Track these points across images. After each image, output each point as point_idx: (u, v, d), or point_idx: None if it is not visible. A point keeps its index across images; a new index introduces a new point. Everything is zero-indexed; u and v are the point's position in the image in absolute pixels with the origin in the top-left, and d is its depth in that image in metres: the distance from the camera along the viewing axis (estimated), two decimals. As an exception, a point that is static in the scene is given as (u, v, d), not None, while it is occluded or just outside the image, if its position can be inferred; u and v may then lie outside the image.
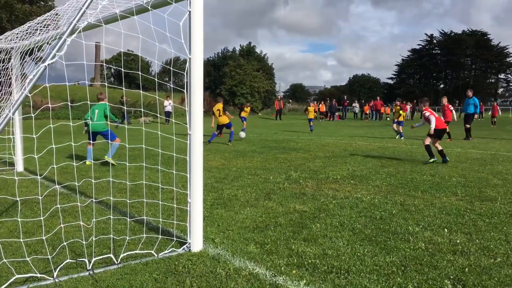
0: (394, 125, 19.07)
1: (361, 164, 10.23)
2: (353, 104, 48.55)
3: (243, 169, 9.39)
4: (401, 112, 19.47)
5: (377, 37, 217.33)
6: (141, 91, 4.60)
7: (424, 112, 10.81)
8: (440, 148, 10.55)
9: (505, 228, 4.91)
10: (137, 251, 4.04)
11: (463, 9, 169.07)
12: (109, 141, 9.55)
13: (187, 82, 4.31)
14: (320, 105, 43.96)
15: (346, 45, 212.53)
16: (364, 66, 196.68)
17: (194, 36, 4.26)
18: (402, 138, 18.13)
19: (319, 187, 7.38)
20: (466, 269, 3.68)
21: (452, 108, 17.45)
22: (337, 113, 43.73)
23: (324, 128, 26.85)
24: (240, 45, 56.15)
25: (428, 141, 10.52)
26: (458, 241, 4.44)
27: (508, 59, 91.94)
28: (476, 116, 17.55)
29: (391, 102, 50.64)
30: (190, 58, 4.26)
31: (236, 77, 48.42)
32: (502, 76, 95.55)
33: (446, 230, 4.84)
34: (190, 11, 4.22)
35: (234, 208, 5.86)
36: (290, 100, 58.62)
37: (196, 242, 4.24)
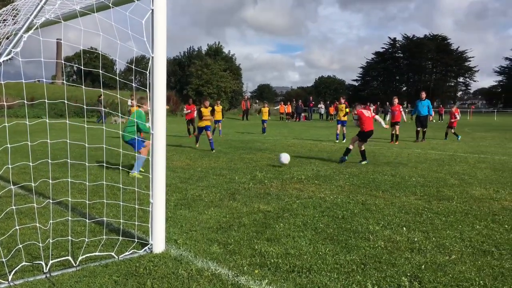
0: (339, 127, 17.64)
1: (325, 164, 10.38)
2: (319, 105, 49.21)
3: (208, 169, 9.34)
4: (347, 110, 18.38)
5: (344, 39, 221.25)
6: (101, 89, 4.50)
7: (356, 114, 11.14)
8: (363, 148, 10.79)
9: (460, 226, 5.11)
10: (97, 253, 3.95)
11: (426, 14, 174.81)
12: (136, 152, 8.41)
13: (149, 81, 4.26)
14: (287, 106, 44.34)
15: (314, 46, 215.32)
16: (331, 67, 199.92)
17: (157, 35, 4.20)
18: (344, 140, 17.27)
19: (283, 187, 7.44)
20: (423, 266, 3.81)
21: (401, 109, 17.88)
22: (303, 114, 44.21)
23: (290, 129, 27.08)
24: (208, 45, 55.82)
25: (361, 145, 10.69)
26: (415, 239, 4.58)
27: (466, 63, 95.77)
28: (431, 118, 18.01)
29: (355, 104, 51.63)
30: (152, 57, 4.20)
31: (203, 77, 48.10)
32: (461, 79, 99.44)
33: (404, 228, 4.99)
34: (152, 9, 4.16)
35: (198, 209, 5.82)
36: (257, 101, 58.75)
37: (158, 243, 4.19)
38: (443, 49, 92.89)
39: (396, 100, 17.94)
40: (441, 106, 53.93)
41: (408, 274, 3.63)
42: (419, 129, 17.74)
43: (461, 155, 12.53)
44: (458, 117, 19.57)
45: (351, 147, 10.77)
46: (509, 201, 6.44)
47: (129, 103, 28.93)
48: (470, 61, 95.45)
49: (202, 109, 13.62)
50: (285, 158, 9.92)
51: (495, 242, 4.52)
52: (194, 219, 5.32)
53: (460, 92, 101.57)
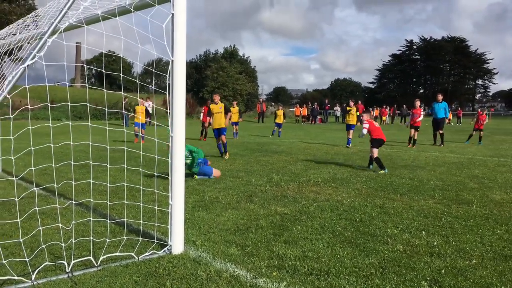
0: (351, 132, 16.20)
1: (342, 167, 10.34)
2: (335, 108, 48.99)
3: (225, 171, 9.39)
4: (357, 114, 17.28)
5: (360, 41, 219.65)
6: (122, 92, 4.58)
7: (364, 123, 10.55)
8: (375, 155, 10.07)
9: (480, 230, 5.04)
10: (117, 254, 4.01)
11: (444, 16, 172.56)
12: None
13: (169, 84, 4.32)
14: (302, 108, 44.28)
15: (329, 48, 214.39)
16: (347, 70, 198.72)
17: (177, 39, 4.26)
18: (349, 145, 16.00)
19: (300, 189, 7.44)
20: (443, 271, 3.77)
21: (422, 112, 17.41)
22: (319, 117, 44.08)
23: (306, 132, 27.03)
24: (224, 47, 56.12)
25: (375, 152, 10.00)
26: (435, 243, 4.53)
27: (485, 66, 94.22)
28: (447, 120, 17.78)
29: (372, 106, 51.37)
30: (173, 61, 4.26)
31: (218, 80, 48.37)
32: (479, 82, 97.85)
33: (423, 232, 4.94)
34: (173, 13, 4.23)
35: (216, 211, 5.86)
36: (273, 103, 58.76)
37: (177, 244, 4.23)
38: (461, 51, 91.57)
39: (418, 103, 17.32)
40: (459, 108, 53.18)
41: (428, 279, 3.61)
42: (436, 132, 17.51)
43: (480, 159, 12.34)
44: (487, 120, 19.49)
45: (374, 155, 10.24)
46: (531, 206, 6.33)
47: (145, 104, 29.19)
48: (489, 63, 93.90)
49: (211, 106, 12.90)
50: None
51: (517, 247, 4.45)
52: (212, 221, 5.36)
53: (479, 95, 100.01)
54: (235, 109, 20.70)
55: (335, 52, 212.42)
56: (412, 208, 6.15)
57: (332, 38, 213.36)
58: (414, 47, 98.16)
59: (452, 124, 41.77)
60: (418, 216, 5.67)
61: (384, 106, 48.89)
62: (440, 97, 17.57)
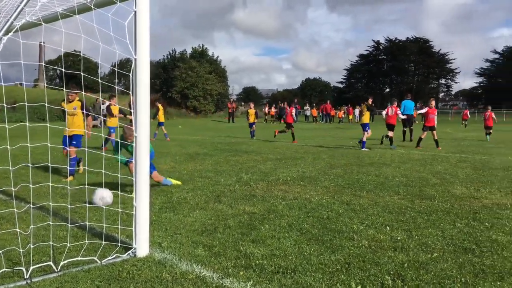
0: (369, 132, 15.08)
1: (311, 165, 10.43)
2: (305, 107, 49.47)
3: (193, 172, 9.31)
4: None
5: (331, 42, 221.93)
6: (83, 92, 4.45)
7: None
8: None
9: (442, 224, 5.18)
10: (79, 258, 3.89)
11: (411, 17, 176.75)
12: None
13: (132, 83, 4.23)
14: (271, 108, 44.51)
15: (301, 49, 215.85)
16: (318, 70, 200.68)
17: (140, 37, 4.18)
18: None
19: (269, 188, 7.45)
20: (405, 265, 3.85)
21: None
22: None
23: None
24: (192, 47, 55.58)
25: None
26: (398, 238, 4.63)
27: (448, 65, 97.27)
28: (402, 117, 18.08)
29: (340, 106, 52.19)
30: (135, 59, 4.18)
31: (187, 80, 47.95)
32: (443, 81, 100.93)
33: (388, 227, 5.04)
34: (135, 11, 4.15)
35: (183, 211, 5.79)
36: (243, 103, 58.78)
37: (142, 247, 4.15)
38: (425, 52, 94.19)
39: (433, 102, 16.16)
40: (423, 105, 54.61)
41: (391, 273, 3.67)
42: (405, 129, 17.99)
43: (443, 155, 12.71)
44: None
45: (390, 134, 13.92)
46: (489, 200, 6.56)
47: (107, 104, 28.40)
48: (451, 63, 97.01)
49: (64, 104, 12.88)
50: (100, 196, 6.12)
51: (476, 239, 4.59)
52: (179, 222, 5.29)
53: (442, 94, 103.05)
54: (252, 110, 21.65)
55: (306, 52, 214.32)
56: (377, 204, 6.26)
57: (304, 38, 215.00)
58: (381, 47, 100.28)
59: (417, 122, 42.92)
60: (383, 212, 5.78)
61: (350, 105, 49.80)
62: (410, 96, 18.37)
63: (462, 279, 3.54)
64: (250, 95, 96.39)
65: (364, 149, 14.37)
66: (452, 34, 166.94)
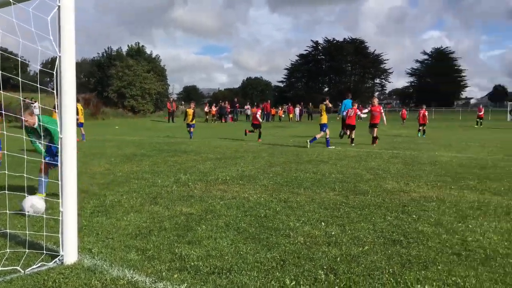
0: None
1: (250, 164, 10.48)
2: (245, 107, 49.70)
3: (129, 173, 9.02)
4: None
5: (272, 41, 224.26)
6: (1, 91, 4.14)
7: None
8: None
9: (373, 218, 5.39)
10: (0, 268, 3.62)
11: (349, 18, 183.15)
12: None
13: (57, 82, 4.00)
14: (212, 107, 44.30)
15: (242, 48, 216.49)
16: (260, 69, 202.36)
17: (64, 33, 3.96)
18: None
19: (207, 188, 7.38)
20: (338, 259, 3.96)
21: (382, 110, 17.44)
22: (230, 115, 44.39)
23: (216, 131, 27.05)
24: (128, 45, 53.87)
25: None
26: (333, 233, 4.75)
27: (382, 66, 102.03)
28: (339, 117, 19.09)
29: (281, 105, 52.99)
30: (60, 56, 3.96)
31: (124, 78, 46.44)
32: (377, 81, 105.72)
33: (323, 223, 5.16)
34: (59, 6, 3.92)
35: (117, 215, 5.58)
36: (183, 102, 57.94)
37: (70, 253, 3.94)
38: (361, 52, 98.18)
39: (375, 100, 17.56)
40: (360, 106, 56.83)
41: (325, 267, 3.75)
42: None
43: (377, 152, 13.28)
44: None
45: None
46: (417, 193, 6.92)
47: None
48: (385, 63, 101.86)
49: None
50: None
51: (404, 231, 4.82)
52: (112, 226, 5.09)
53: (377, 93, 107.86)
54: (191, 110, 19.92)
55: (248, 52, 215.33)
56: (314, 201, 6.40)
57: (245, 38, 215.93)
58: (319, 47, 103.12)
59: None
60: (319, 208, 5.91)
61: (290, 104, 50.78)
62: (350, 95, 19.23)
63: (390, 269, 3.69)
64: (191, 94, 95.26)
65: (330, 147, 14.79)
66: (386, 36, 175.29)
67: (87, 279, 3.52)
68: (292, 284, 3.43)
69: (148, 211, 5.82)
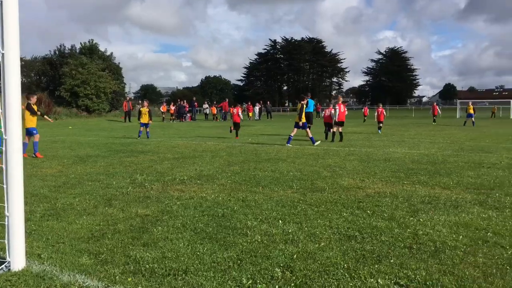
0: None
1: (209, 164, 10.40)
2: (204, 106, 49.36)
3: (83, 175, 8.73)
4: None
5: (231, 40, 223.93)
6: None
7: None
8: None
9: (329, 214, 5.49)
10: None
11: (307, 18, 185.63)
12: None
13: (0, 80, 3.80)
14: (170, 106, 43.68)
15: (201, 46, 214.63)
16: (219, 68, 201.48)
17: (7, 29, 3.76)
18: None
19: (164, 189, 7.26)
20: (295, 256, 3.99)
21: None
22: (189, 114, 43.92)
23: (175, 130, 26.69)
24: (81, 43, 52.13)
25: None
26: (290, 231, 4.79)
27: (339, 65, 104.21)
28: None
29: (241, 103, 52.97)
30: (3, 54, 3.76)
31: (78, 77, 44.93)
32: (334, 79, 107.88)
33: (280, 221, 5.20)
34: (1, 1, 3.72)
35: (68, 218, 5.38)
36: (140, 101, 56.77)
37: (17, 260, 3.75)
38: (319, 51, 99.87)
39: (340, 98, 18.04)
40: (318, 104, 57.81)
41: (281, 265, 3.78)
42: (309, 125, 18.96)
43: (334, 149, 13.54)
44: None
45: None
46: (372, 189, 7.12)
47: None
48: (342, 62, 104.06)
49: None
50: None
51: (359, 227, 4.94)
52: (63, 230, 4.90)
53: (334, 91, 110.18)
54: (145, 109, 19.10)
55: (207, 50, 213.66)
56: (272, 199, 6.43)
57: (204, 36, 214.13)
58: (278, 46, 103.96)
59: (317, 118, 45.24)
60: (276, 206, 5.95)
61: (249, 103, 50.91)
62: (310, 94, 19.62)
63: (345, 265, 3.77)
64: (148, 93, 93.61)
65: (316, 143, 15.01)
66: (343, 35, 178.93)
67: (36, 285, 3.37)
68: (248, 283, 3.43)
69: (102, 213, 5.64)
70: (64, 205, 6.08)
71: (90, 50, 50.54)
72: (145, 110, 19.14)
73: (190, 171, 9.22)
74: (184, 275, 3.58)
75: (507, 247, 4.22)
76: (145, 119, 18.86)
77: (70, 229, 4.91)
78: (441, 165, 9.84)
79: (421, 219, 5.24)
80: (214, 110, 46.46)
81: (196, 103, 47.60)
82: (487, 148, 13.69)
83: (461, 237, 4.55)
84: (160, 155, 12.19)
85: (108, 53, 53.06)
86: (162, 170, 9.39)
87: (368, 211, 5.63)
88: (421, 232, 4.74)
